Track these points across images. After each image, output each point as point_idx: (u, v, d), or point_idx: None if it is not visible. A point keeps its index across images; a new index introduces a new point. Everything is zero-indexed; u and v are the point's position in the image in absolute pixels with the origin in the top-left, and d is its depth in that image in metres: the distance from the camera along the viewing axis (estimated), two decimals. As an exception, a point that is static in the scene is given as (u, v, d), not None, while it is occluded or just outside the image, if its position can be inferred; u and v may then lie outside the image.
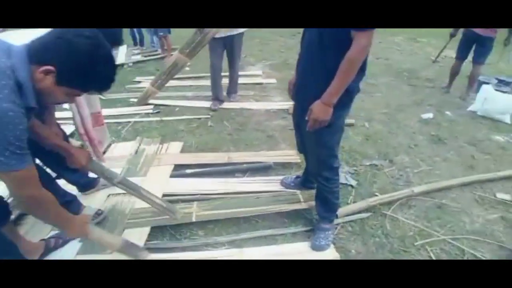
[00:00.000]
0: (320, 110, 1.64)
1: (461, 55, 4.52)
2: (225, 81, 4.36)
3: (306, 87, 1.79)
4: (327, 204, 2.11)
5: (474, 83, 4.61)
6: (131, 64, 6.35)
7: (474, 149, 3.34)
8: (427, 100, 4.45)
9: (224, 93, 4.38)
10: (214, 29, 3.53)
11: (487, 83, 4.61)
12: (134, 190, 2.03)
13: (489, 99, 3.96)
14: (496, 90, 4.40)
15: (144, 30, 7.17)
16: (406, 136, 3.50)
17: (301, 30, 1.80)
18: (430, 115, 3.92)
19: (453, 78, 4.70)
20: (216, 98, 4.16)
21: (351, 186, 2.68)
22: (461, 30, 4.58)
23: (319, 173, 2.01)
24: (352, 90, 1.68)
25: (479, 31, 4.19)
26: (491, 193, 2.70)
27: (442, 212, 2.46)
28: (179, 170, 2.92)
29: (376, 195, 2.58)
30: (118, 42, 1.75)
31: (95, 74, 1.20)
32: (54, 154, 1.81)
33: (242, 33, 3.87)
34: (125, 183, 2.00)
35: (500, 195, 2.67)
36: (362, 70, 1.66)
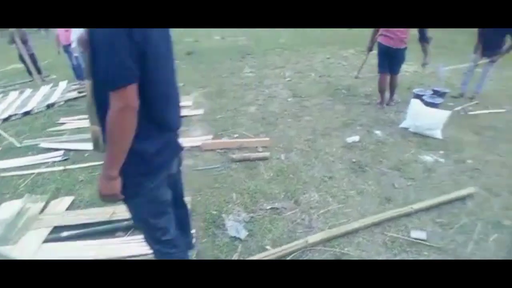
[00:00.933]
0: (101, 184, 1.23)
1: (382, 69, 4.25)
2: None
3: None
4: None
5: (392, 93, 4.55)
6: (62, 103, 5.90)
7: (397, 175, 2.96)
8: (359, 120, 4.10)
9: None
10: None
11: (422, 95, 4.32)
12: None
13: (418, 115, 3.62)
14: (429, 102, 4.09)
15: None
16: (324, 166, 3.11)
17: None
18: (356, 138, 3.55)
19: (383, 93, 4.40)
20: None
21: (240, 239, 2.25)
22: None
23: (150, 245, 1.59)
24: (145, 152, 1.27)
25: (388, 43, 4.00)
26: (405, 232, 2.31)
27: (339, 267, 2.03)
28: (59, 232, 2.51)
29: (267, 249, 2.16)
30: None
31: None
32: None
33: None
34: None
35: (415, 234, 2.28)
36: (156, 125, 1.28)
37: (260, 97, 5.23)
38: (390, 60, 4.15)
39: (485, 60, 4.64)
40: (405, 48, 4.03)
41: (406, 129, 3.78)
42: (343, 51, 8.77)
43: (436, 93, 4.48)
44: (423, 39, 4.01)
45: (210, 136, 3.88)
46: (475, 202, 2.64)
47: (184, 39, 11.40)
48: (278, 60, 7.91)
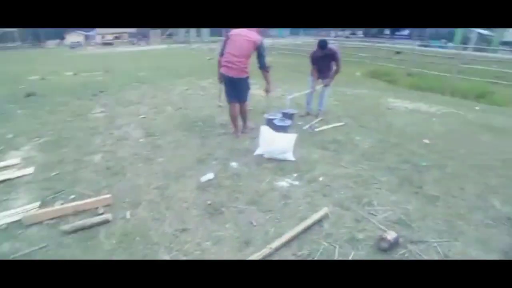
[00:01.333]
0: None
1: (230, 99, 4.20)
2: None
3: None
4: None
5: (245, 121, 4.48)
6: None
7: (255, 210, 2.76)
8: (215, 153, 3.86)
9: None
10: None
11: (273, 119, 4.38)
12: None
13: (269, 141, 3.58)
14: (279, 125, 4.17)
15: None
16: (176, 217, 2.69)
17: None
18: (210, 176, 3.27)
19: (236, 122, 4.32)
20: None
21: None
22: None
23: None
24: None
25: (229, 73, 3.96)
26: (266, 279, 2.04)
27: None
28: None
29: None
30: None
31: None
32: None
33: None
34: None
35: (277, 278, 2.03)
36: None
37: (108, 141, 4.54)
38: (235, 90, 4.09)
39: (321, 84, 5.07)
40: (247, 77, 4.04)
41: (261, 155, 3.71)
42: (201, 81, 8.72)
43: (285, 115, 4.62)
44: (262, 67, 4.07)
45: (38, 204, 3.06)
46: (330, 222, 2.61)
47: (27, 77, 9.70)
48: (134, 96, 7.29)
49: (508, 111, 7.42)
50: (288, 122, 4.34)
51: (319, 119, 5.07)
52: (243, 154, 3.82)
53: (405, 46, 22.96)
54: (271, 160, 3.60)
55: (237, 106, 4.22)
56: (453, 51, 21.19)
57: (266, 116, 4.58)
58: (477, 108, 7.13)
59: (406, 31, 34.34)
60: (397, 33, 34.47)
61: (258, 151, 3.75)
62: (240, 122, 4.42)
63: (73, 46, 27.12)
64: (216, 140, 4.26)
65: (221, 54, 4.11)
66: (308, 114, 5.32)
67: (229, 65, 3.91)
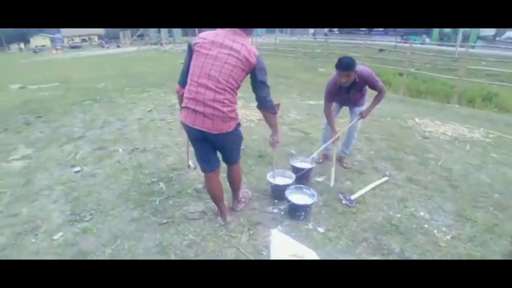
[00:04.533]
0: None
1: (206, 165, 2.19)
2: None
3: None
4: None
5: (237, 192, 2.49)
6: None
7: None
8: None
9: None
10: None
11: (285, 189, 2.48)
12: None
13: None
14: (301, 206, 2.28)
15: None
16: None
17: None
18: None
19: (220, 202, 2.34)
20: None
21: None
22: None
23: None
24: None
25: (201, 126, 1.92)
26: None
27: None
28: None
29: None
30: None
31: None
32: None
33: None
34: None
35: None
36: None
37: (1, 239, 2.42)
38: (214, 151, 2.15)
39: (348, 123, 3.20)
40: (237, 126, 2.06)
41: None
42: (171, 97, 6.69)
43: (298, 172, 2.73)
44: (264, 106, 2.08)
45: None
46: None
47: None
48: (79, 124, 5.15)
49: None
50: (312, 195, 2.43)
51: (347, 167, 3.22)
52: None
53: (388, 42, 21.53)
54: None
55: (217, 176, 2.26)
56: (436, 47, 19.90)
57: (272, 180, 2.66)
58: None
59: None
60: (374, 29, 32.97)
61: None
62: (227, 201, 2.49)
63: (37, 50, 24.30)
64: (188, 236, 2.27)
65: (182, 82, 2.11)
66: (325, 157, 3.45)
67: (199, 108, 1.91)
